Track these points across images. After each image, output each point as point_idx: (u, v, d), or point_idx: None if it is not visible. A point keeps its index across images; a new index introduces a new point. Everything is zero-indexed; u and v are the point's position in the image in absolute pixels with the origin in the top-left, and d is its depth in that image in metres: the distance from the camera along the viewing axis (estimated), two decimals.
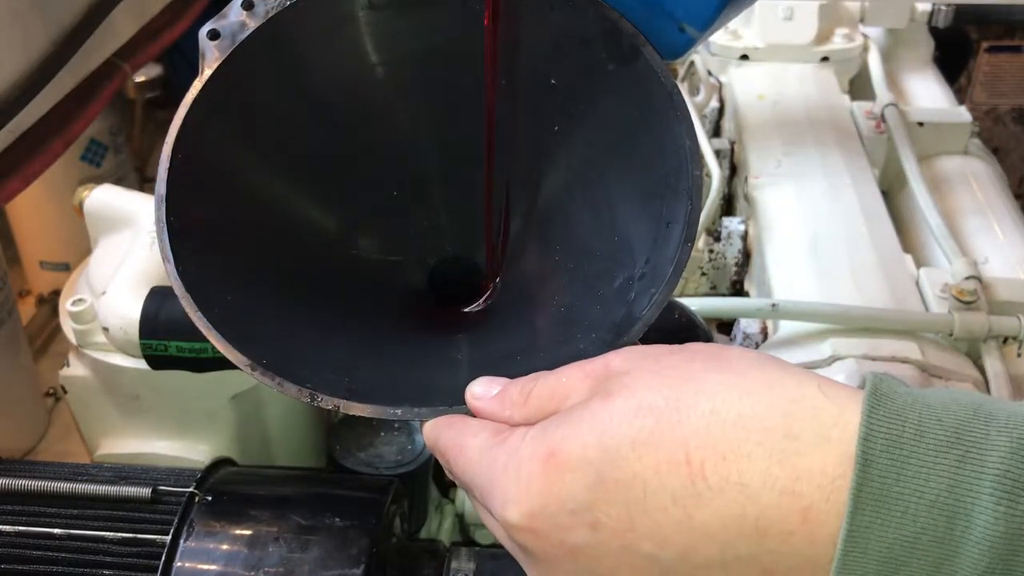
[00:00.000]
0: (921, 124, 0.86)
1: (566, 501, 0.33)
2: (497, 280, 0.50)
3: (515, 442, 0.35)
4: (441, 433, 0.38)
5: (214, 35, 0.42)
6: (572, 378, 0.36)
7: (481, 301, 0.50)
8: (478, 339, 0.48)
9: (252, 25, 0.42)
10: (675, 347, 0.36)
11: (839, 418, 0.31)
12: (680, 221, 0.40)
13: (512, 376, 0.38)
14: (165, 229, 0.40)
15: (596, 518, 0.32)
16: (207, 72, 0.42)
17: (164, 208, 0.40)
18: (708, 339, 0.56)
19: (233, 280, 0.42)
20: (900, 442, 0.29)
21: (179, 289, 0.40)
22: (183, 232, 0.40)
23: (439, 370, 0.45)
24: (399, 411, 0.39)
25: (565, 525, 0.33)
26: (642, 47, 0.41)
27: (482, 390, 0.38)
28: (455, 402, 0.39)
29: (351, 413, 0.39)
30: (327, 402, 0.39)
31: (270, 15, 0.42)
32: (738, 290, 0.80)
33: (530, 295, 0.47)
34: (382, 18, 0.44)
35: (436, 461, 0.43)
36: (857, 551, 0.29)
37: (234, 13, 0.42)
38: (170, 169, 0.41)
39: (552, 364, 0.38)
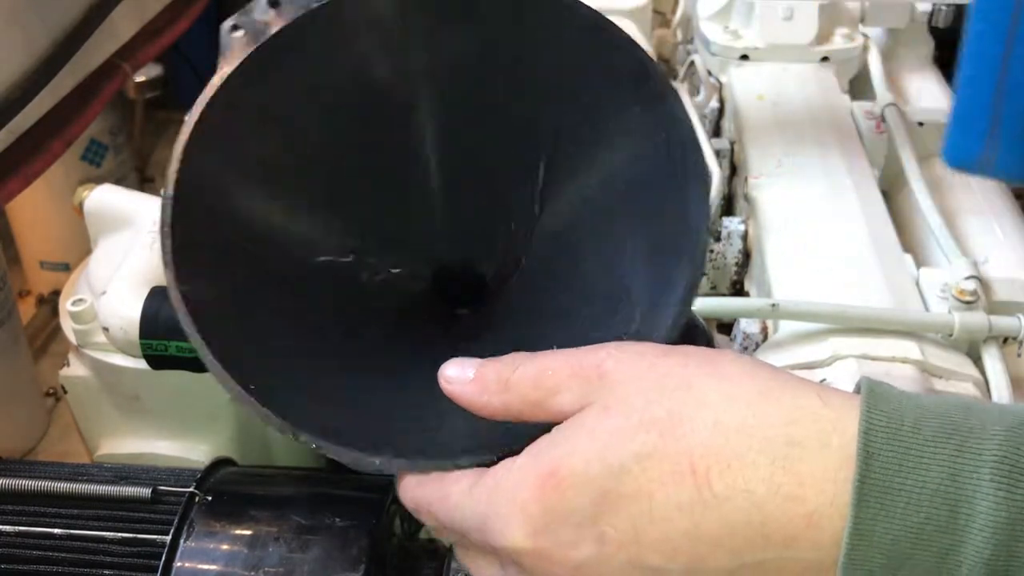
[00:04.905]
0: (921, 124, 0.86)
1: (570, 515, 0.32)
2: (500, 278, 0.50)
3: (501, 473, 0.35)
4: (419, 489, 0.37)
5: (235, 30, 0.42)
6: (559, 371, 0.35)
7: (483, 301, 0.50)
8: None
9: (277, 25, 0.41)
10: (668, 349, 0.36)
11: (838, 423, 0.31)
12: (680, 284, 0.40)
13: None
14: (169, 236, 0.39)
15: (602, 531, 0.32)
16: (226, 69, 0.41)
17: (170, 212, 0.40)
18: (708, 339, 0.56)
19: (232, 302, 0.42)
20: (899, 435, 0.30)
21: (177, 301, 0.39)
22: (186, 244, 0.40)
23: (427, 402, 0.44)
24: (377, 461, 0.38)
25: (570, 541, 0.32)
26: (669, 94, 0.41)
27: (456, 372, 0.37)
28: (440, 448, 0.39)
29: (331, 456, 0.38)
30: (312, 442, 0.38)
31: (296, 16, 0.41)
32: (738, 290, 0.80)
33: (529, 323, 0.47)
34: (409, 27, 0.43)
35: None
36: (863, 545, 0.29)
37: (259, 10, 0.41)
38: (179, 175, 0.40)
39: None
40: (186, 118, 0.41)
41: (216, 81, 0.41)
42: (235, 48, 0.41)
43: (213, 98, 0.41)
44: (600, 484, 0.32)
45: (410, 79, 0.45)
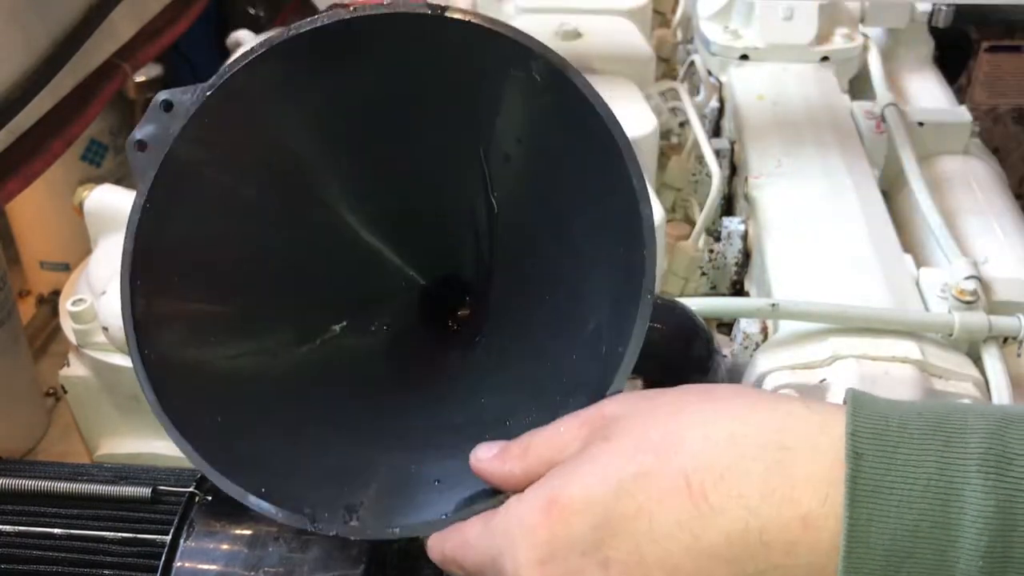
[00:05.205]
0: (921, 124, 0.86)
1: (575, 544, 0.33)
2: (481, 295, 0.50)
3: (511, 506, 0.36)
4: (444, 543, 0.39)
5: (142, 146, 0.41)
6: (568, 428, 0.37)
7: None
8: (467, 397, 0.48)
9: (175, 127, 0.41)
10: (667, 389, 0.37)
11: (825, 427, 0.32)
12: (637, 266, 0.40)
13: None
14: (140, 361, 0.40)
15: (606, 556, 0.33)
16: (143, 189, 0.41)
17: (136, 339, 0.40)
18: (708, 339, 0.56)
19: (215, 404, 0.43)
20: (886, 435, 0.31)
21: (153, 402, 0.40)
22: (160, 368, 0.41)
23: (433, 444, 0.45)
24: (398, 530, 0.40)
25: (576, 569, 0.33)
26: (567, 68, 0.40)
27: (485, 452, 0.39)
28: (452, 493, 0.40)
29: (352, 537, 0.40)
30: (328, 529, 0.40)
31: (190, 112, 0.41)
32: (738, 290, 0.80)
33: (514, 327, 0.48)
34: (302, 79, 0.43)
35: None
36: (861, 547, 0.30)
37: (155, 118, 0.41)
38: (132, 313, 0.41)
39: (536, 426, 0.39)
40: (122, 251, 0.41)
41: (138, 203, 0.41)
42: (143, 169, 0.41)
43: (138, 229, 0.41)
44: (601, 507, 0.33)
45: (324, 126, 0.45)
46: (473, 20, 0.40)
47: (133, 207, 0.41)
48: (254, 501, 0.40)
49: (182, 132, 0.41)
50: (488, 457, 0.39)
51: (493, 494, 0.39)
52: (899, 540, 0.29)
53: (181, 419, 0.40)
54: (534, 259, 0.46)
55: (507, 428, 0.41)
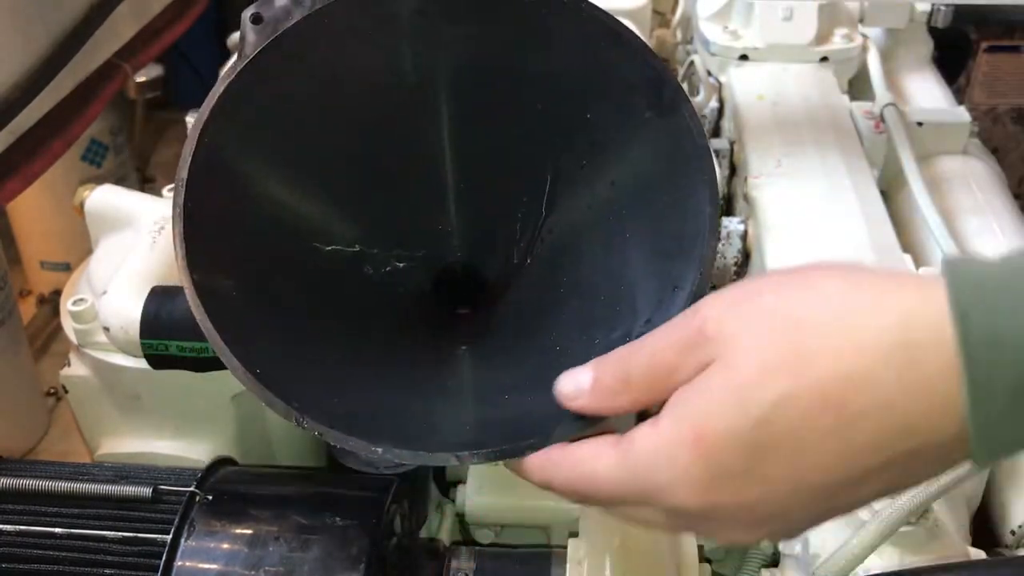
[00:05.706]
0: (920, 124, 0.86)
1: (730, 469, 0.34)
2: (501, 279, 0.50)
3: (647, 441, 0.36)
4: (558, 471, 0.38)
5: (257, 19, 0.42)
6: (665, 349, 0.37)
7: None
8: (473, 365, 0.48)
9: (297, 15, 0.42)
10: (758, 286, 0.37)
11: (941, 316, 0.33)
12: (687, 288, 0.40)
13: (497, 409, 0.39)
14: (181, 214, 0.40)
15: (764, 473, 0.34)
16: (245, 57, 0.41)
17: (183, 194, 0.40)
18: None
19: (239, 288, 0.42)
20: (984, 288, 0.32)
21: (184, 270, 0.40)
22: (196, 223, 0.40)
23: (433, 394, 0.45)
24: (380, 449, 0.39)
25: (737, 488, 0.35)
26: (682, 103, 0.41)
27: (572, 388, 0.39)
28: (445, 435, 0.40)
29: (333, 443, 0.39)
30: (312, 427, 0.39)
31: (316, 7, 0.42)
32: None
33: (530, 323, 0.48)
34: (427, 24, 0.44)
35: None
36: (982, 395, 0.31)
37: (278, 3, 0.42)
38: (194, 156, 0.40)
39: (536, 408, 0.39)
40: (205, 101, 0.41)
41: (234, 68, 0.41)
42: (254, 36, 0.42)
43: (230, 84, 0.41)
44: (748, 439, 0.34)
45: (428, 77, 0.45)
46: (608, 17, 0.41)
47: (230, 67, 0.41)
48: (252, 383, 0.39)
49: (299, 23, 0.41)
50: (580, 393, 0.38)
51: (480, 445, 0.38)
52: (1022, 380, 0.31)
53: (207, 297, 0.39)
54: (575, 262, 0.46)
55: (504, 400, 0.40)
